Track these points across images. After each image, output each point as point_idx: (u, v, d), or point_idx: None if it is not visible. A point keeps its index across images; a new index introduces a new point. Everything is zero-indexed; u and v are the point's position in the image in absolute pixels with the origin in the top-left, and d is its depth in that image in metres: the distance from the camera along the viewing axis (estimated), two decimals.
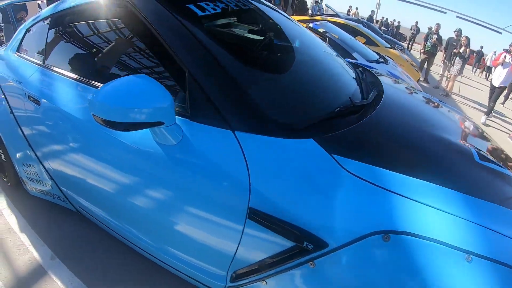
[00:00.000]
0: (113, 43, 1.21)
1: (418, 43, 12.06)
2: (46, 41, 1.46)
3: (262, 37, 1.39)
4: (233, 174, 0.78)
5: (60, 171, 1.37)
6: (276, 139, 0.79)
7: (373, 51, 4.18)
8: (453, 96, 6.41)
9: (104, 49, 1.24)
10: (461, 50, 6.11)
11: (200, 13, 1.07)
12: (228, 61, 0.96)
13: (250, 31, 1.43)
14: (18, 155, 1.62)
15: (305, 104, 1.00)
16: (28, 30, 1.68)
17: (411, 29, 11.60)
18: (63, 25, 1.43)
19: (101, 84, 1.11)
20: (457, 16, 12.64)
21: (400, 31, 12.80)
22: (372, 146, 0.87)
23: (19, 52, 1.68)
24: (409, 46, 11.31)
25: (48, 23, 1.49)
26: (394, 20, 12.76)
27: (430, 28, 9.83)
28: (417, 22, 11.27)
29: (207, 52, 0.94)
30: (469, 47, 6.23)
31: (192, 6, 1.08)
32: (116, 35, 1.20)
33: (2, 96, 1.62)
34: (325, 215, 0.70)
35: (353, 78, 1.34)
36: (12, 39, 1.89)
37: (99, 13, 1.19)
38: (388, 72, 3.29)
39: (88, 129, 1.10)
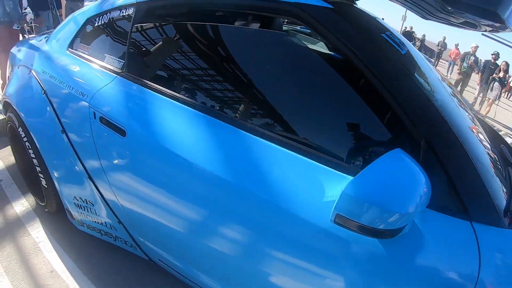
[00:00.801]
0: (265, 62, 0.89)
1: (444, 60, 11.78)
2: (129, 41, 1.10)
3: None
4: (460, 270, 0.67)
5: (139, 214, 1.05)
6: (504, 231, 0.69)
7: None
8: (487, 120, 6.17)
9: (247, 68, 0.90)
10: (500, 75, 5.87)
11: (402, 51, 0.81)
12: (465, 134, 0.79)
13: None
14: (68, 186, 1.28)
15: None
16: (89, 21, 1.32)
17: (438, 45, 11.29)
18: (162, 20, 1.06)
19: (243, 122, 0.82)
20: (482, 34, 12.36)
21: (425, 44, 12.50)
22: None
23: (73, 49, 1.33)
24: (436, 62, 11.03)
25: (131, 15, 1.12)
26: (424, 35, 12.44)
27: (456, 45, 9.59)
28: (444, 38, 10.98)
29: (443, 116, 0.73)
30: (508, 73, 6.00)
31: (386, 37, 0.80)
32: (273, 52, 0.89)
33: (48, 105, 1.25)
34: None
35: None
36: (58, 29, 1.56)
37: (237, 14, 0.90)
38: None
39: (217, 181, 0.80)
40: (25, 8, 3.03)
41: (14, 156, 1.73)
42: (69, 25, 1.49)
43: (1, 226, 1.49)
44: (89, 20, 1.33)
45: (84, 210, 1.28)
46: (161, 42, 1.08)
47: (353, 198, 0.58)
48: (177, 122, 0.89)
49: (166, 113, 0.92)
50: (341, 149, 0.76)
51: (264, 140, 0.79)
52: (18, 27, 2.47)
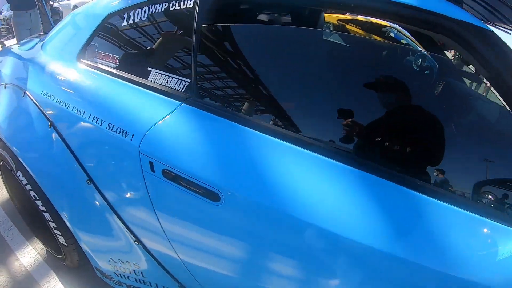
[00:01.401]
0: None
1: None
2: (196, 49, 0.74)
3: None
4: None
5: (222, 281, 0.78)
6: None
7: None
8: None
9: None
10: None
11: None
12: None
13: None
14: (101, 247, 0.99)
15: None
16: (111, 19, 0.96)
17: None
18: (251, 15, 0.79)
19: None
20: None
21: None
22: None
23: (86, 60, 0.97)
24: None
25: (191, 9, 0.75)
26: None
27: None
28: None
29: None
30: None
31: None
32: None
33: (61, 143, 0.89)
34: None
35: None
36: (55, 31, 1.18)
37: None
38: None
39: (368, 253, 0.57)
40: (1, 11, 2.46)
41: (11, 198, 1.35)
42: (75, 25, 1.13)
43: (8, 286, 1.17)
44: (111, 18, 0.97)
45: (126, 271, 0.99)
46: (261, 50, 0.75)
47: None
48: (309, 178, 0.60)
49: (289, 165, 0.61)
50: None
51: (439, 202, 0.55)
52: None
